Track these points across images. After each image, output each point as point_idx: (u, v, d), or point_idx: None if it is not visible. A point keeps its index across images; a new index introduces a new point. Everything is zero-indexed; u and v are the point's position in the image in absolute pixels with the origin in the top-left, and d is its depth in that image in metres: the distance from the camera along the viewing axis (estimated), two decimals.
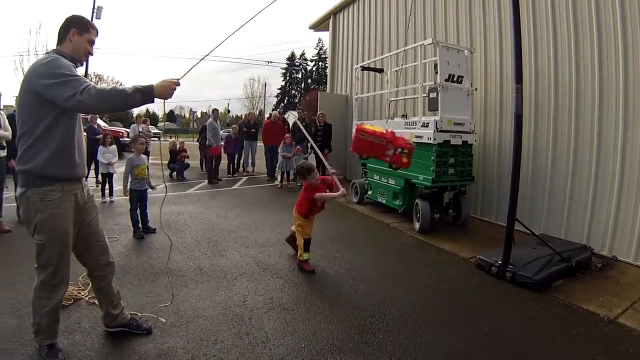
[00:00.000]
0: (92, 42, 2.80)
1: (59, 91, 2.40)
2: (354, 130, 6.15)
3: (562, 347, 3.18)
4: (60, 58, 2.54)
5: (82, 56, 2.78)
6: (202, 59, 3.21)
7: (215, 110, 12.77)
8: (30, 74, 2.49)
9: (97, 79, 51.32)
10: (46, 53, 2.68)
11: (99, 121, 12.17)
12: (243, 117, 16.13)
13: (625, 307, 3.86)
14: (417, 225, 6.54)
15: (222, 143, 12.21)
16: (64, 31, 2.68)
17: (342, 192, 4.72)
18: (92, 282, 3.09)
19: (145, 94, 2.57)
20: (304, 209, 4.81)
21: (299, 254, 4.87)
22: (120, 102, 2.54)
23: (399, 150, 5.10)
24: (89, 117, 10.41)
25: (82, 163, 2.78)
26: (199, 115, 67.24)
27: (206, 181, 11.54)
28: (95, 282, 3.04)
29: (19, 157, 2.57)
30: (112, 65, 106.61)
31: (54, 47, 2.72)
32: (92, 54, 2.86)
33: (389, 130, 5.27)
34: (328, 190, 4.86)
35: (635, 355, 3.09)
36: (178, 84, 2.69)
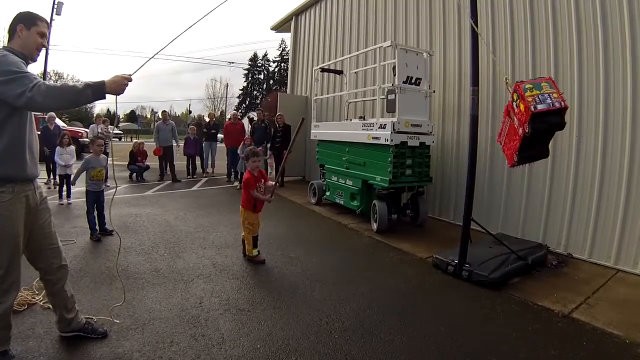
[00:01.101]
0: (43, 35, 2.69)
1: (8, 88, 2.30)
2: (544, 80, 3.99)
3: (518, 343, 3.18)
4: (9, 55, 2.43)
5: (33, 51, 2.66)
6: (155, 54, 3.12)
7: (163, 112, 12.98)
8: None
9: (57, 76, 49.59)
10: None
11: (57, 121, 11.78)
12: (197, 117, 16.08)
13: (579, 302, 3.92)
14: (374, 226, 6.51)
15: (175, 144, 12.04)
16: (13, 28, 2.60)
17: (268, 198, 5.01)
18: (45, 285, 2.95)
19: (96, 89, 2.51)
20: (248, 204, 4.95)
21: (247, 251, 4.98)
22: (71, 99, 2.48)
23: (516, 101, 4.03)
24: (46, 116, 10.12)
25: (33, 163, 2.67)
26: (159, 116, 66.07)
27: (165, 182, 11.48)
28: (48, 285, 2.91)
29: None
30: (72, 62, 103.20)
31: (4, 46, 2.60)
32: (45, 47, 2.77)
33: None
34: (263, 180, 5.04)
35: (589, 348, 3.12)
36: (130, 80, 2.64)
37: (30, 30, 2.60)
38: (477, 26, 4.56)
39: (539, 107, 3.65)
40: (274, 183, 5.19)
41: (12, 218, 2.51)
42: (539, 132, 3.76)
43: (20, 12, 2.64)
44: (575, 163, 5.40)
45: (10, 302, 2.59)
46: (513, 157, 3.99)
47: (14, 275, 2.57)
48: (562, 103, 3.67)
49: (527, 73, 5.98)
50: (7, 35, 2.63)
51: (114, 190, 3.59)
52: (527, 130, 3.69)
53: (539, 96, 3.71)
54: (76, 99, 2.51)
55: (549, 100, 3.67)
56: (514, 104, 3.89)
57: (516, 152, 3.94)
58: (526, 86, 3.80)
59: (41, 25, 2.67)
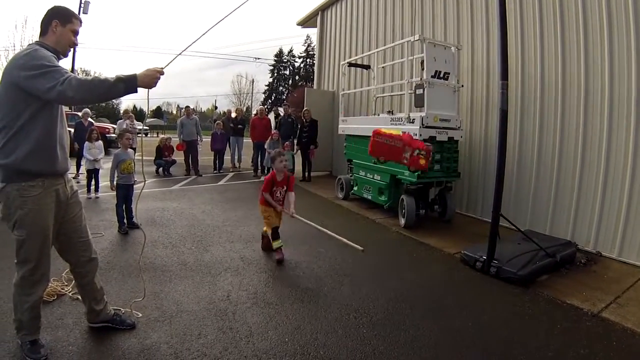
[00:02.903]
0: (75, 33, 2.72)
1: (40, 82, 2.33)
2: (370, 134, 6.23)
3: (546, 341, 3.17)
4: (41, 49, 2.47)
5: (66, 47, 2.69)
6: (187, 48, 3.09)
7: (187, 107, 13.00)
8: (10, 66, 2.41)
9: (84, 74, 50.77)
10: (28, 45, 2.59)
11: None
12: (226, 111, 16.22)
13: (608, 301, 3.88)
14: (402, 221, 6.53)
15: (198, 138, 12.25)
16: (46, 23, 2.61)
17: (291, 212, 4.89)
18: (75, 278, 3.03)
19: (129, 83, 2.49)
20: (266, 202, 4.99)
21: (272, 244, 4.95)
22: (102, 93, 2.49)
23: (417, 152, 5.08)
24: (81, 112, 10.36)
25: (64, 158, 2.71)
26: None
27: (191, 177, 11.60)
28: (78, 278, 2.99)
29: (0, 150, 2.47)
30: (99, 60, 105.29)
31: (37, 40, 2.64)
32: (76, 45, 2.79)
33: (405, 133, 5.26)
34: (286, 186, 5.02)
35: (618, 348, 3.09)
36: (162, 73, 2.61)
37: (65, 27, 2.63)
38: (505, 19, 4.52)
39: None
40: (292, 206, 4.97)
41: (42, 211, 2.57)
42: None
43: (55, 7, 2.66)
44: (605, 159, 5.29)
45: (40, 293, 2.68)
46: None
47: (43, 267, 2.64)
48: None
49: (557, 65, 5.90)
50: (40, 28, 2.63)
51: (142, 184, 3.66)
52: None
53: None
54: (108, 92, 2.51)
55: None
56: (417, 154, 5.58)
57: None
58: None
59: (76, 24, 2.70)
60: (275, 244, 4.90)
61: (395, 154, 5.38)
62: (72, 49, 2.80)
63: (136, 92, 2.57)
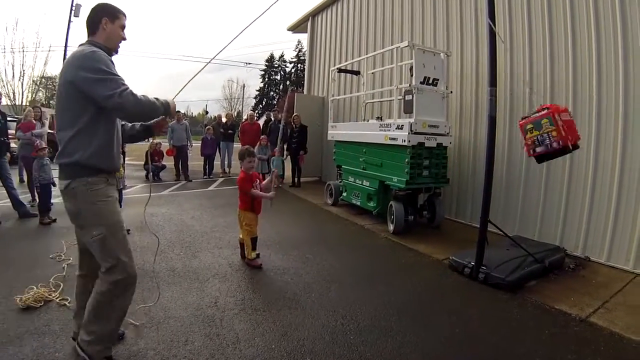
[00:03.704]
0: (123, 28, 2.72)
1: (98, 88, 2.34)
2: (554, 115, 4.08)
3: (534, 347, 3.16)
4: (99, 51, 2.46)
5: (116, 44, 2.69)
6: (211, 60, 3.16)
7: (177, 112, 12.78)
8: (69, 65, 2.41)
9: None
10: (80, 45, 2.57)
11: None
12: (216, 116, 16.19)
13: (596, 306, 3.88)
14: (391, 227, 6.51)
15: (188, 143, 12.20)
16: (95, 21, 2.58)
17: (272, 195, 4.86)
18: (79, 284, 2.87)
19: (166, 110, 2.67)
20: (246, 204, 4.86)
21: (247, 254, 4.88)
22: (148, 112, 2.58)
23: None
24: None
25: (118, 156, 2.76)
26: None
27: (181, 182, 11.60)
28: (84, 284, 2.85)
29: (63, 150, 2.47)
30: None
31: (87, 39, 2.60)
32: (125, 40, 2.76)
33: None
34: (258, 181, 4.95)
35: (606, 353, 3.09)
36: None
37: (114, 24, 2.62)
38: (494, 25, 4.55)
39: (538, 149, 4.05)
40: (272, 179, 5.06)
41: (112, 203, 2.59)
42: (544, 159, 4.23)
43: (101, 4, 2.64)
44: (593, 166, 5.33)
45: (131, 296, 2.68)
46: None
47: (131, 265, 2.61)
48: (560, 143, 3.89)
49: (545, 72, 5.93)
50: (87, 27, 2.61)
51: (146, 191, 3.62)
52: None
53: (539, 137, 4.01)
54: (152, 113, 2.62)
55: (547, 141, 3.97)
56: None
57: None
58: (527, 127, 4.11)
59: (123, 19, 2.69)
60: (253, 254, 4.86)
61: (573, 129, 4.16)
62: (120, 45, 2.77)
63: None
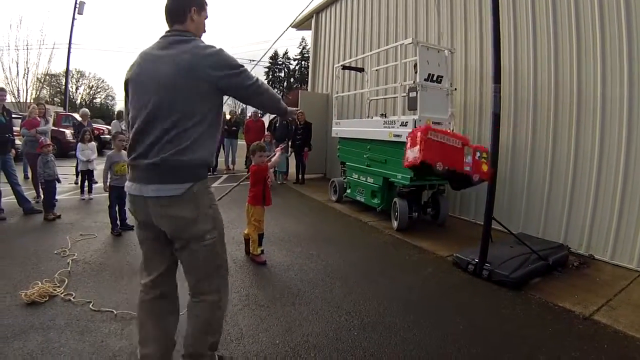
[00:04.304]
0: (206, 19, 2.52)
1: (241, 79, 2.28)
2: (417, 133, 5.04)
3: (538, 344, 3.16)
4: (222, 49, 2.29)
5: (201, 36, 2.45)
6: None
7: None
8: (198, 65, 2.17)
9: (79, 74, 50.68)
10: (205, 43, 2.32)
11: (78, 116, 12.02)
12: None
13: (600, 304, 3.88)
14: (395, 224, 6.52)
15: None
16: (184, 9, 2.32)
17: (274, 162, 5.11)
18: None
19: (287, 110, 2.70)
20: (256, 200, 4.89)
21: (252, 249, 4.89)
22: (275, 104, 2.59)
23: (478, 154, 4.57)
24: (80, 113, 10.21)
25: None
26: None
27: None
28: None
29: (185, 148, 2.15)
30: (93, 61, 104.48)
31: (175, 28, 2.35)
32: (205, 33, 2.54)
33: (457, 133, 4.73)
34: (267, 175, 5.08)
35: (609, 351, 3.09)
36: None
37: (201, 15, 2.40)
38: (499, 22, 4.53)
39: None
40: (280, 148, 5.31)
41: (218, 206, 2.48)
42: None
43: None
44: (598, 163, 5.31)
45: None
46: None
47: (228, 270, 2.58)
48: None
49: (550, 69, 5.92)
50: (171, 17, 2.35)
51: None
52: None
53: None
54: (277, 107, 2.61)
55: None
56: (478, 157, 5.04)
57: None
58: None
59: (207, 10, 2.48)
60: (259, 250, 4.87)
61: (455, 156, 4.59)
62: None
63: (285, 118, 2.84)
